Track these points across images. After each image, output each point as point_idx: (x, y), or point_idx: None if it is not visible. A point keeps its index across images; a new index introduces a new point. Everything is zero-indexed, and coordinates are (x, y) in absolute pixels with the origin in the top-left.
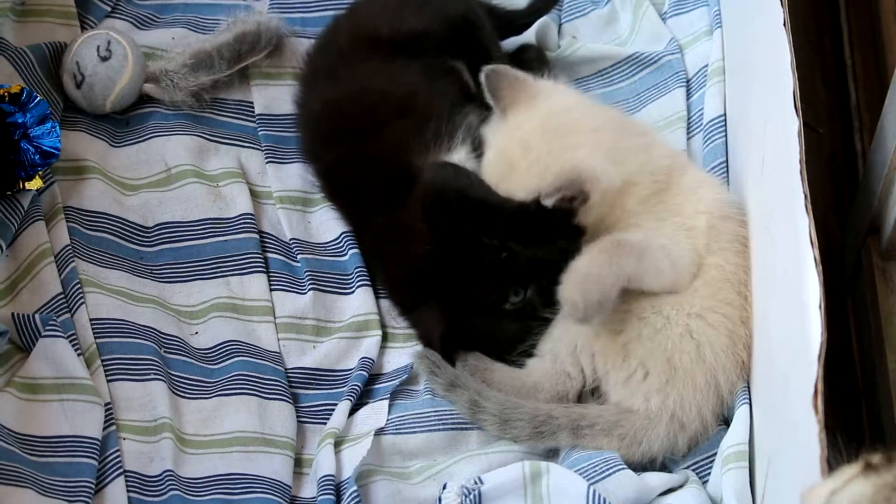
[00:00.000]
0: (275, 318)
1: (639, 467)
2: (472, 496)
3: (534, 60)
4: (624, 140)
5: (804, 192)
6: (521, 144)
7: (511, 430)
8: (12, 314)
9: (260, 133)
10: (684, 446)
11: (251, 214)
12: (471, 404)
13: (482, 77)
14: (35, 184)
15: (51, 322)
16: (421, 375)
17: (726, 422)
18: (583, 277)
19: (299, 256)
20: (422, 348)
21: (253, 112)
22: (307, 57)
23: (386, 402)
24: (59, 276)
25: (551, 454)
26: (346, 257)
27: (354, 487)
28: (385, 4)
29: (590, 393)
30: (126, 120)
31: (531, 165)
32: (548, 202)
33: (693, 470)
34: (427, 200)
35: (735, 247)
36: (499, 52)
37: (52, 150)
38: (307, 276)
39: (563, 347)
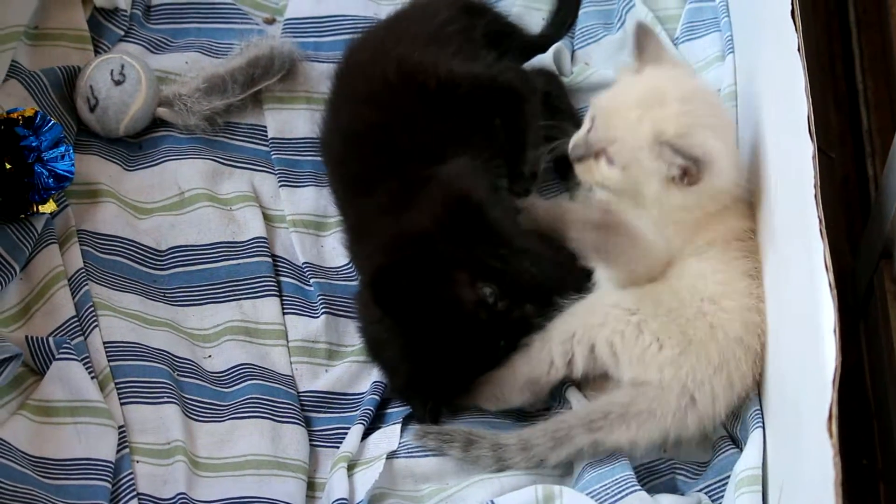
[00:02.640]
0: (287, 341)
1: (651, 488)
2: None
3: (547, 85)
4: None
5: (819, 217)
6: (655, 93)
7: (533, 451)
8: (26, 337)
9: (273, 157)
10: (694, 426)
11: (264, 238)
12: (493, 449)
13: (634, 30)
14: (49, 207)
15: (64, 345)
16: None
17: (736, 443)
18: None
19: (312, 280)
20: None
21: (266, 136)
22: (343, 74)
23: (398, 426)
24: (73, 299)
25: (564, 475)
26: (358, 281)
27: None
28: (437, 47)
29: (576, 387)
30: (139, 144)
31: (659, 117)
32: (657, 160)
33: (706, 493)
34: (449, 203)
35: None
36: (537, 131)
37: (66, 174)
38: (320, 299)
39: (556, 335)
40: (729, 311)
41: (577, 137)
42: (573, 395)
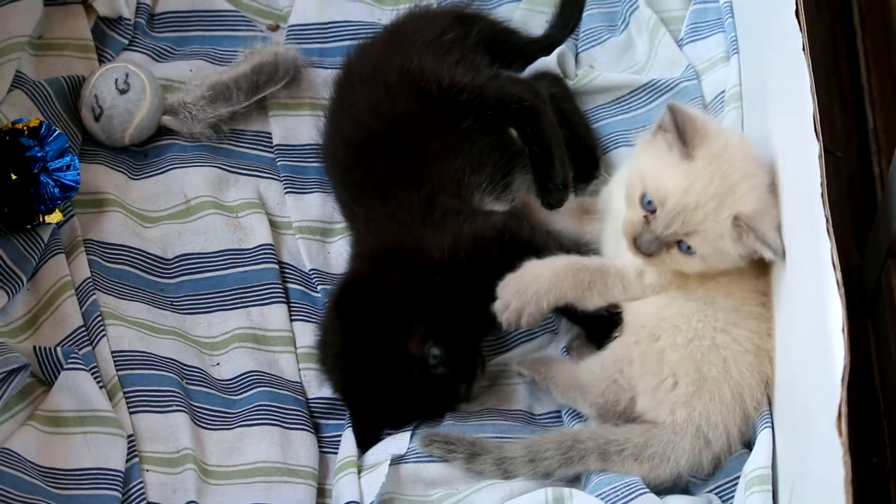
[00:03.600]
0: (296, 348)
1: (662, 489)
2: None
3: (552, 87)
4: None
5: (826, 216)
6: (722, 180)
7: (541, 465)
8: (34, 347)
9: (278, 163)
10: (709, 465)
11: (271, 245)
12: (497, 463)
13: (666, 112)
14: (55, 217)
15: (72, 355)
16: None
17: (748, 445)
18: (525, 286)
19: (319, 287)
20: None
21: (271, 142)
22: (344, 84)
23: (408, 433)
24: (80, 308)
25: (575, 480)
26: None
27: None
28: (437, 55)
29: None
30: (145, 152)
31: (750, 191)
32: (738, 242)
33: (716, 494)
34: (493, 245)
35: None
36: (559, 140)
37: (72, 184)
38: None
39: (609, 355)
40: (741, 340)
41: (639, 231)
42: None
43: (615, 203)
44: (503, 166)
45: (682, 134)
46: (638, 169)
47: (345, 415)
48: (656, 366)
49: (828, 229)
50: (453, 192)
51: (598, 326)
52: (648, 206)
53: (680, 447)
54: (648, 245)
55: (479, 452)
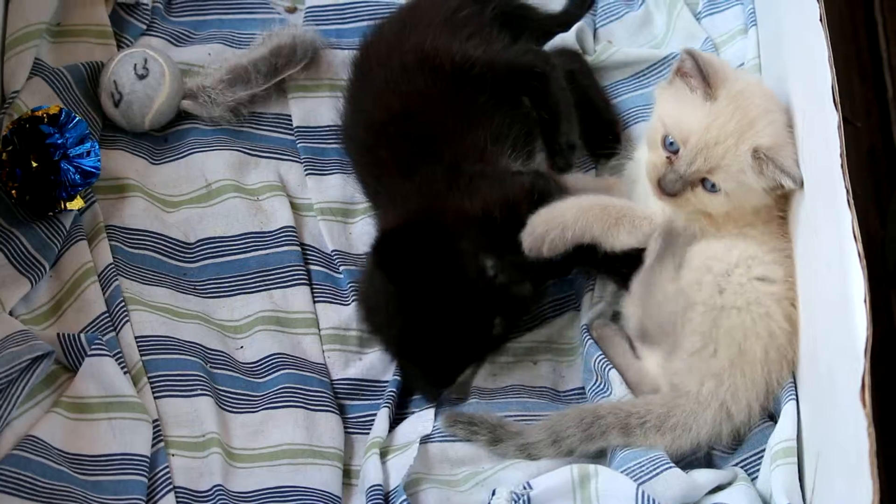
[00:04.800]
0: (319, 330)
1: (686, 464)
2: (521, 501)
3: (571, 63)
4: None
5: (846, 187)
6: (743, 116)
7: (564, 444)
8: (58, 334)
9: (298, 145)
10: (727, 437)
11: (292, 227)
12: (520, 449)
13: (686, 57)
14: (76, 204)
15: (96, 341)
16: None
17: (772, 417)
18: (552, 216)
19: (342, 268)
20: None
21: (291, 125)
22: (362, 59)
23: (432, 410)
24: (104, 294)
25: (599, 455)
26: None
27: (404, 496)
28: (451, 32)
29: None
30: (165, 137)
31: (768, 125)
32: (760, 175)
33: (742, 467)
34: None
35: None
36: (567, 102)
37: (93, 170)
38: (350, 287)
39: (674, 287)
40: (786, 313)
41: (663, 173)
42: (615, 381)
43: (642, 173)
44: (524, 136)
45: (706, 76)
46: (657, 114)
47: (370, 395)
48: (710, 327)
49: (848, 201)
50: (477, 159)
51: (628, 275)
52: (671, 147)
53: (702, 418)
54: (673, 184)
55: (501, 438)
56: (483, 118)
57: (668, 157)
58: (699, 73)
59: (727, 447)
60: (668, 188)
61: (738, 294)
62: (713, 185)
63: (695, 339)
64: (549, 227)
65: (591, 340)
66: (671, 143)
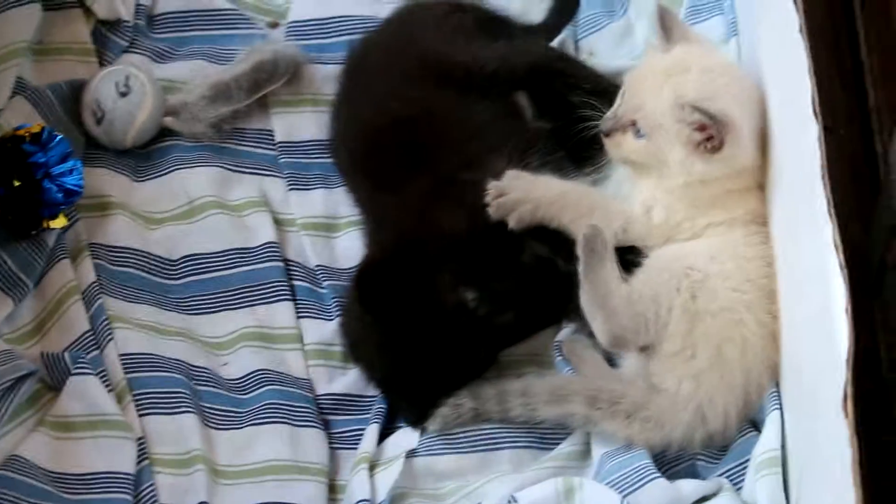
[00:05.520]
0: (303, 345)
1: (671, 474)
2: None
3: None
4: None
5: (827, 197)
6: (680, 63)
7: (530, 401)
8: (41, 353)
9: (281, 160)
10: (700, 442)
11: (276, 243)
12: (499, 401)
13: (657, 14)
14: (59, 222)
15: (80, 360)
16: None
17: (755, 425)
18: (534, 187)
19: (325, 283)
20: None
21: (273, 140)
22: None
23: (419, 430)
24: (87, 313)
25: (583, 466)
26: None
27: None
28: (451, 36)
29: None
30: (147, 154)
31: (681, 82)
32: (679, 122)
33: (727, 477)
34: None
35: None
36: (583, 84)
37: (76, 188)
38: (334, 302)
39: (650, 288)
40: (764, 323)
41: (609, 113)
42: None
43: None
44: (520, 149)
45: (666, 30)
46: None
47: (354, 409)
48: (686, 330)
49: (829, 211)
50: (473, 168)
51: None
52: (622, 96)
53: (676, 419)
54: (605, 122)
55: (482, 412)
56: (483, 126)
57: (619, 105)
58: (660, 25)
59: (705, 453)
60: (602, 126)
61: (711, 300)
62: (639, 131)
63: (674, 340)
64: (523, 198)
65: (559, 357)
66: (622, 94)
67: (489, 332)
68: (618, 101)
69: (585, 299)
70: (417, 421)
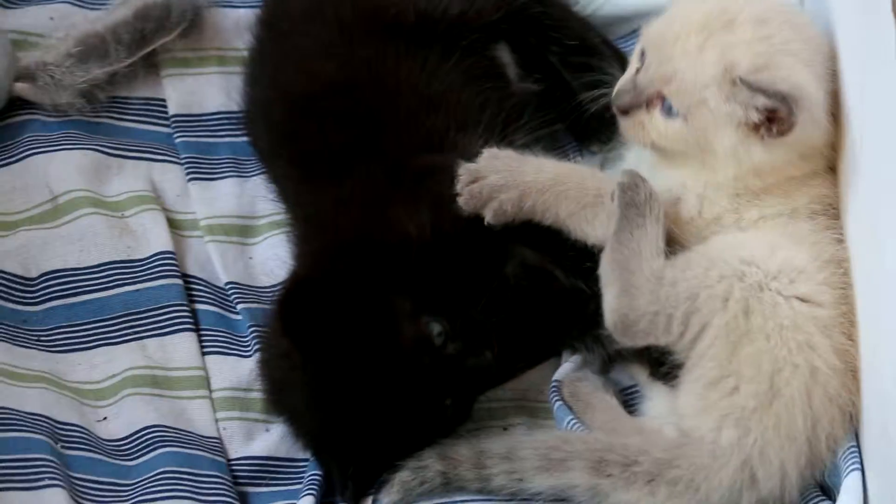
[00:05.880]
0: (210, 391)
1: None
2: None
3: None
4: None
5: None
6: (722, 13)
7: (516, 467)
8: None
9: (177, 141)
10: None
11: (171, 253)
12: (475, 465)
13: None
14: None
15: None
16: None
17: (825, 492)
18: (516, 166)
19: (240, 307)
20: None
21: (166, 113)
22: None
23: (369, 500)
24: None
25: None
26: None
27: None
28: None
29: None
30: None
31: (728, 44)
32: (729, 101)
33: None
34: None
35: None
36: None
37: None
38: (252, 332)
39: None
40: (838, 350)
41: (622, 81)
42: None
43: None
44: (502, 121)
45: None
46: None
47: (282, 478)
48: (727, 351)
49: None
50: (436, 150)
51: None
52: (643, 57)
53: (716, 478)
54: (622, 95)
55: (452, 479)
56: (447, 96)
57: (636, 69)
58: None
59: None
60: (618, 100)
61: (770, 314)
62: (670, 109)
63: (709, 365)
64: (503, 184)
65: (559, 402)
66: (643, 54)
67: (460, 377)
68: (633, 62)
69: (606, 261)
70: (354, 496)
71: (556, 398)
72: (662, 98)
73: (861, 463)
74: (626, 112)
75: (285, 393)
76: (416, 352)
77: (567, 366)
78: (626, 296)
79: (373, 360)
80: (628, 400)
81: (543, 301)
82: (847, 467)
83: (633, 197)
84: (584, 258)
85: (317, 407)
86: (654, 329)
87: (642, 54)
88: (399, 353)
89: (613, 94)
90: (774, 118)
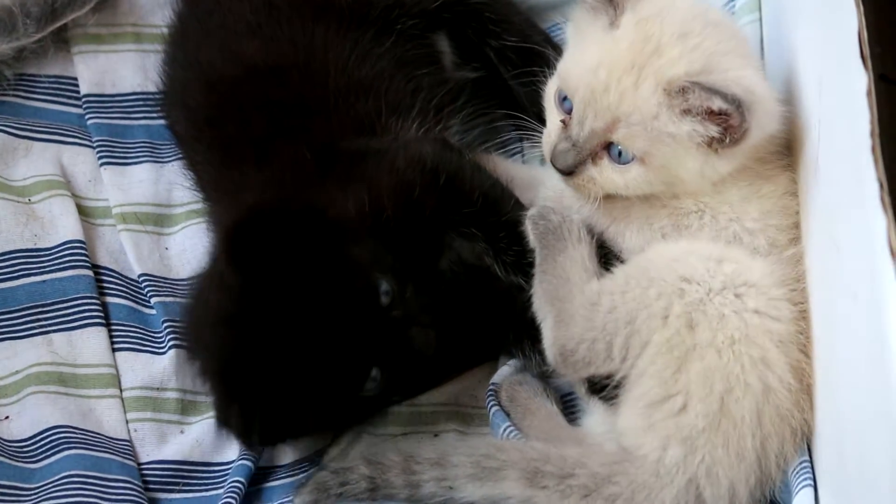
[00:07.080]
0: (121, 390)
1: None
2: None
3: None
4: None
5: (879, 180)
6: (645, 43)
7: (447, 473)
8: None
9: (89, 122)
10: None
11: (80, 242)
12: (404, 470)
13: None
14: None
15: None
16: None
17: None
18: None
19: (153, 300)
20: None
21: (77, 92)
22: None
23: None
24: None
25: None
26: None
27: None
28: None
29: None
30: None
31: (662, 66)
32: (682, 119)
33: None
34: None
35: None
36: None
37: None
38: (166, 328)
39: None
40: (792, 367)
41: (554, 140)
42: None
43: None
44: (435, 107)
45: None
46: (561, 61)
47: (196, 484)
48: (671, 368)
49: (882, 199)
50: (366, 135)
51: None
52: (565, 105)
53: (657, 498)
54: (564, 156)
55: (380, 485)
56: (379, 80)
57: (562, 121)
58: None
59: None
60: (559, 162)
61: (718, 328)
62: (621, 153)
63: (650, 383)
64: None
65: (496, 407)
66: (564, 99)
67: (396, 347)
68: (552, 115)
69: (537, 295)
70: (244, 437)
71: (493, 403)
72: (608, 147)
73: (814, 479)
74: (571, 173)
75: (205, 329)
76: (359, 303)
77: (505, 369)
78: (562, 325)
79: (313, 303)
80: (569, 407)
81: (479, 298)
82: (798, 483)
83: (546, 225)
84: (527, 253)
85: (238, 341)
86: (594, 357)
87: (563, 99)
88: (341, 300)
89: (549, 155)
90: (727, 127)
